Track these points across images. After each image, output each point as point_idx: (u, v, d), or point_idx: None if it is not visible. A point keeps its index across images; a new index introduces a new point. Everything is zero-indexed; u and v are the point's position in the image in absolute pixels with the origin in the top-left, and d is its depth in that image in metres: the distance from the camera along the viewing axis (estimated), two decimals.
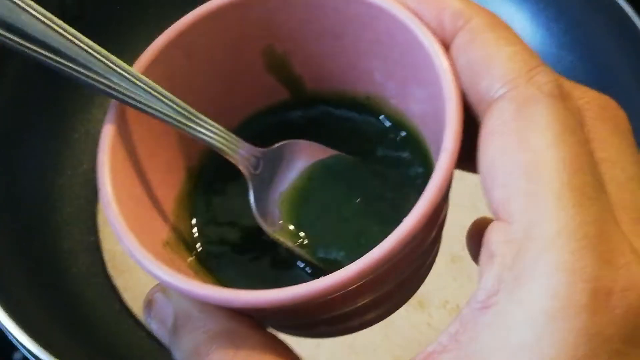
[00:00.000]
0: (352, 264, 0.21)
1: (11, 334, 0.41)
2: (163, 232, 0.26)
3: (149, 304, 0.25)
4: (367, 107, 0.29)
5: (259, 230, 0.27)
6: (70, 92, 0.57)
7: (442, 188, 0.22)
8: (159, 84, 0.26)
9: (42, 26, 0.24)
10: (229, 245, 0.28)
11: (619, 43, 0.53)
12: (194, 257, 0.27)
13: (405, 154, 0.28)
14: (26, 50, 0.24)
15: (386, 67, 0.27)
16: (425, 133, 0.27)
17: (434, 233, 0.25)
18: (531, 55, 0.22)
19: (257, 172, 0.27)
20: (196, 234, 0.28)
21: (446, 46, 0.24)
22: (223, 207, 0.29)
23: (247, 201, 0.27)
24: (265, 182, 0.28)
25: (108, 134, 0.25)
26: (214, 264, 0.27)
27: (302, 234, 0.27)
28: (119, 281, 0.51)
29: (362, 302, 0.24)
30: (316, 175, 0.28)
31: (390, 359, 0.48)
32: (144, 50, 0.60)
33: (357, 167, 0.28)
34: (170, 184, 0.28)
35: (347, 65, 0.28)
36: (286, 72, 0.29)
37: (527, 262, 0.19)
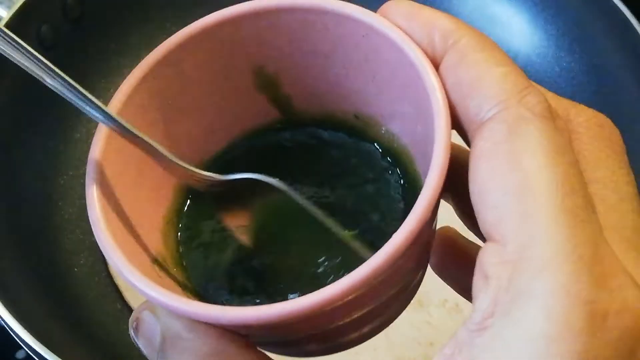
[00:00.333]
0: (342, 279, 0.21)
1: (14, 332, 0.42)
2: (152, 249, 0.26)
3: (136, 321, 0.25)
4: (356, 127, 0.29)
5: (246, 249, 0.28)
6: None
7: (431, 204, 0.22)
8: (150, 101, 0.26)
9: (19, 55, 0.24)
10: (215, 264, 0.28)
11: (616, 44, 0.53)
12: (182, 274, 0.27)
13: (393, 177, 0.28)
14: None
15: (375, 85, 0.27)
16: (414, 154, 0.27)
17: (421, 251, 0.25)
18: (521, 75, 0.22)
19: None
20: (183, 251, 0.28)
21: (436, 66, 0.24)
22: (210, 225, 0.29)
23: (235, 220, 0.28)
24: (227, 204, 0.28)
25: (96, 152, 0.25)
26: (201, 282, 0.27)
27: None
28: (120, 281, 0.51)
29: (352, 318, 0.24)
30: (271, 215, 0.28)
31: (390, 358, 0.48)
32: (144, 50, 0.60)
33: (317, 216, 0.28)
34: (159, 202, 0.28)
35: (336, 84, 0.28)
36: (275, 92, 0.29)
37: (523, 284, 0.19)
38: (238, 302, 0.27)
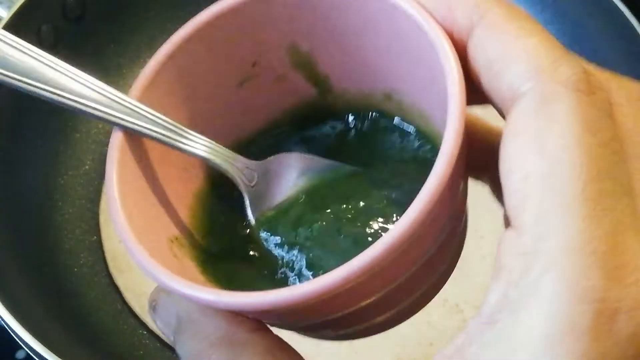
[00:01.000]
0: (353, 259, 0.20)
1: (14, 332, 0.42)
2: (174, 227, 0.26)
3: (154, 302, 0.25)
4: (390, 107, 0.29)
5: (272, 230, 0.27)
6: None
7: (441, 183, 0.21)
8: (178, 79, 0.26)
9: (20, 55, 0.25)
10: (235, 250, 0.28)
11: (616, 44, 0.53)
12: (203, 253, 0.27)
13: (426, 154, 0.28)
14: (14, 83, 0.24)
15: (403, 64, 0.26)
16: (441, 130, 0.27)
17: (443, 233, 0.24)
18: (554, 45, 0.21)
19: (252, 184, 0.27)
20: (208, 234, 0.28)
21: (462, 43, 0.22)
22: (236, 210, 0.28)
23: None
24: (262, 194, 0.28)
25: (119, 132, 0.25)
26: (221, 265, 0.27)
27: (295, 248, 0.27)
28: (121, 281, 0.51)
29: (368, 302, 0.24)
30: (311, 188, 0.28)
31: (390, 358, 0.48)
32: (144, 50, 0.61)
33: (356, 177, 0.28)
34: (189, 179, 0.28)
35: (370, 63, 0.27)
36: (312, 70, 0.28)
37: (531, 280, 0.19)
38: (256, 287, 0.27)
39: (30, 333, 0.41)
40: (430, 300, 0.28)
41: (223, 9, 0.26)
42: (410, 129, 0.28)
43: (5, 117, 0.53)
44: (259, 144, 0.30)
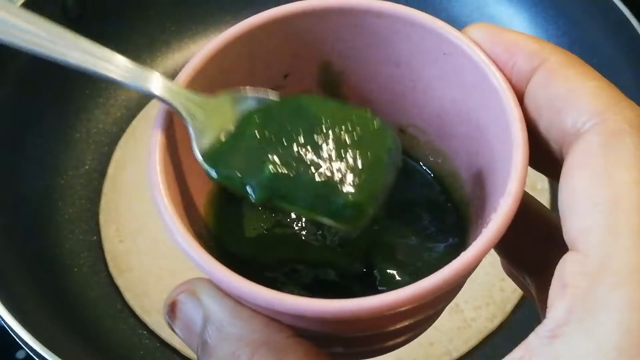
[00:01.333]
0: (409, 286, 0.21)
1: (14, 332, 0.42)
2: (196, 225, 0.26)
3: (172, 306, 0.24)
4: (404, 143, 0.28)
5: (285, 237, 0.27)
6: (71, 92, 0.57)
7: (502, 229, 0.22)
8: (218, 77, 0.26)
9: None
10: (249, 245, 0.28)
11: (617, 44, 0.53)
12: (220, 249, 0.27)
13: (437, 197, 0.28)
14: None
15: (440, 103, 0.26)
16: (465, 178, 0.27)
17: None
18: (615, 89, 0.22)
19: (198, 118, 0.26)
20: (225, 226, 0.28)
21: (519, 90, 0.24)
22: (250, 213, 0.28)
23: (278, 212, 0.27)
24: (209, 128, 0.26)
25: (157, 134, 0.25)
26: (236, 261, 0.27)
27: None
28: (120, 281, 0.51)
29: (404, 324, 0.24)
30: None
31: (390, 358, 0.48)
32: (145, 50, 0.60)
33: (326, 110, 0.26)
34: (205, 178, 0.27)
35: (398, 96, 0.28)
36: (334, 92, 0.28)
37: (600, 295, 0.19)
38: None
39: (30, 333, 0.41)
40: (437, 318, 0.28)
41: (272, 17, 0.26)
42: (416, 165, 0.29)
43: (5, 117, 0.53)
44: None
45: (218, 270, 0.22)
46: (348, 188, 0.24)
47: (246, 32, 0.26)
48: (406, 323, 0.24)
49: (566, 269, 0.21)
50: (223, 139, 0.25)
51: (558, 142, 0.23)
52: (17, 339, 0.42)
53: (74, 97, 0.57)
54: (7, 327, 0.42)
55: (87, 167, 0.56)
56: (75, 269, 0.51)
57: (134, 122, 0.58)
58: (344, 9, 0.26)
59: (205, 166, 0.25)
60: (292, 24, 0.26)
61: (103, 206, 0.54)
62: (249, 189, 0.24)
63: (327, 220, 0.24)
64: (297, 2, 0.26)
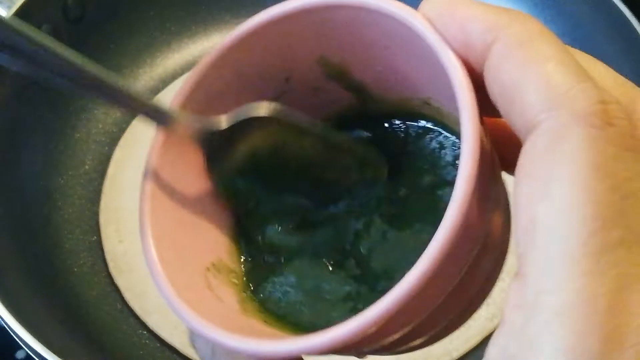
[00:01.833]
0: (388, 294, 0.21)
1: (14, 332, 0.42)
2: (209, 255, 0.26)
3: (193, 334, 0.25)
4: (428, 112, 0.28)
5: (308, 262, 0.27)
6: (71, 92, 0.57)
7: (459, 215, 0.20)
8: (207, 103, 0.26)
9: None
10: (273, 272, 0.28)
11: (617, 44, 0.53)
12: (238, 281, 0.27)
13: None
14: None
15: (429, 79, 0.26)
16: None
17: (470, 257, 0.23)
18: (571, 71, 0.19)
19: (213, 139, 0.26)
20: (245, 260, 0.28)
21: (478, 67, 0.21)
22: (276, 237, 0.28)
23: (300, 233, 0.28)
24: (225, 148, 0.26)
25: (154, 157, 0.25)
26: (260, 292, 0.27)
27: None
28: (120, 281, 0.51)
29: (408, 330, 0.24)
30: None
31: (391, 358, 0.48)
32: (144, 50, 0.60)
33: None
34: (224, 207, 0.28)
35: (404, 73, 0.27)
36: (346, 78, 0.28)
37: (531, 335, 0.18)
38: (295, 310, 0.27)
39: (30, 333, 0.41)
40: (459, 327, 0.27)
41: (247, 31, 0.26)
42: (448, 131, 0.28)
43: (5, 117, 0.53)
44: None
45: (190, 319, 0.23)
46: None
47: (223, 54, 0.26)
48: (400, 333, 0.24)
49: (507, 300, 0.19)
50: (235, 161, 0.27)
51: (518, 134, 0.20)
52: (17, 339, 0.42)
53: (74, 97, 0.57)
54: (7, 327, 0.42)
55: (87, 167, 0.56)
56: (75, 269, 0.51)
57: (134, 122, 0.58)
58: (310, 8, 0.26)
59: (219, 189, 0.26)
60: (271, 31, 0.26)
61: (103, 206, 0.54)
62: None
63: None
64: (272, 8, 0.26)
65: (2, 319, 0.42)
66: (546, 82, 0.19)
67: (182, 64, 0.60)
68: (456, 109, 0.25)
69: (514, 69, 0.20)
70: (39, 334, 0.42)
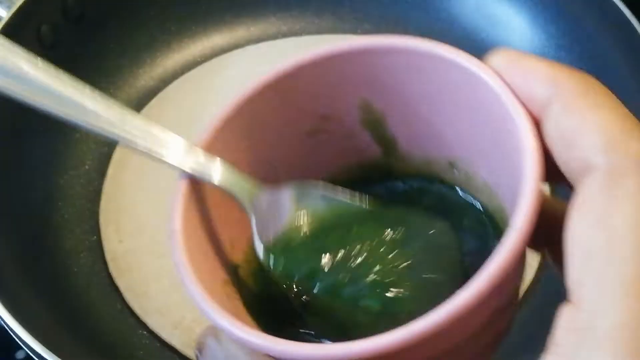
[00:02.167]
0: (421, 318, 0.20)
1: (14, 332, 0.42)
2: (225, 271, 0.27)
3: (200, 345, 0.25)
4: (450, 176, 0.28)
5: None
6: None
7: (504, 267, 0.21)
8: (248, 126, 0.26)
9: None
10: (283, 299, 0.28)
11: (617, 44, 0.53)
12: (251, 301, 0.27)
13: (485, 230, 0.28)
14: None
15: (474, 135, 0.26)
16: (508, 209, 0.26)
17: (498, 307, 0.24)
18: (627, 118, 0.22)
19: (262, 208, 0.27)
20: (259, 280, 0.28)
21: (536, 119, 0.23)
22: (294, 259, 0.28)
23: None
24: (269, 220, 0.27)
25: (184, 180, 0.25)
26: (269, 312, 0.27)
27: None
28: (121, 281, 0.51)
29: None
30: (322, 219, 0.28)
31: None
32: (144, 50, 0.61)
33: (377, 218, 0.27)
34: (246, 224, 0.28)
35: (440, 129, 0.27)
36: (381, 130, 0.28)
37: (582, 356, 0.18)
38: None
39: (30, 333, 0.41)
40: None
41: (301, 63, 0.27)
42: (469, 199, 0.28)
43: (5, 117, 0.53)
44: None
45: (222, 321, 0.23)
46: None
47: (275, 80, 0.27)
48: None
49: (558, 323, 0.20)
50: (282, 235, 0.27)
51: (571, 179, 0.22)
52: (17, 339, 0.42)
53: None
54: (6, 327, 0.42)
55: (87, 167, 0.56)
56: (75, 269, 0.51)
57: None
58: (369, 49, 0.26)
59: (263, 260, 0.27)
60: (321, 67, 0.27)
61: (103, 206, 0.54)
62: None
63: None
64: (325, 47, 0.27)
65: (2, 319, 0.42)
66: (603, 128, 0.21)
67: (182, 64, 0.60)
68: (487, 173, 0.26)
69: (573, 117, 0.22)
70: (38, 334, 0.42)
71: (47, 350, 0.41)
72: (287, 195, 0.28)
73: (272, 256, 0.27)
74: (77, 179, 0.55)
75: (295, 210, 0.28)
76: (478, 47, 0.63)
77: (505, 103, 0.24)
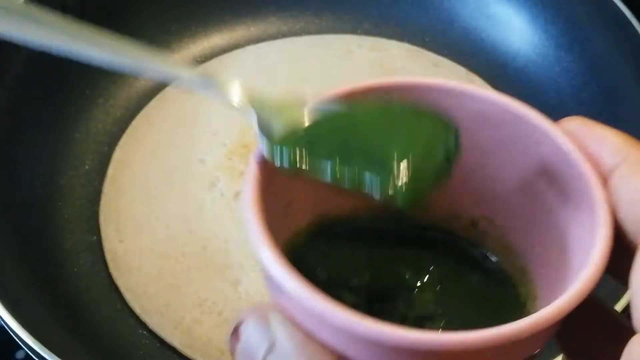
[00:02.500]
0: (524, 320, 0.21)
1: (14, 332, 0.42)
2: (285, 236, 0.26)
3: (237, 325, 0.23)
4: (468, 233, 0.28)
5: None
6: (71, 92, 0.57)
7: (585, 292, 0.22)
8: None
9: None
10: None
11: (617, 44, 0.53)
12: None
13: (502, 289, 0.27)
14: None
15: (524, 196, 0.27)
16: (534, 270, 0.27)
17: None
18: None
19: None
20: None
21: (603, 179, 0.25)
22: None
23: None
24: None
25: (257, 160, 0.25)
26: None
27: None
28: (121, 281, 0.51)
29: None
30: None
31: None
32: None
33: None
34: (291, 214, 0.27)
35: (476, 186, 0.27)
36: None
37: None
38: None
39: (30, 333, 0.41)
40: None
41: (357, 88, 0.26)
42: (483, 260, 0.28)
43: (5, 117, 0.53)
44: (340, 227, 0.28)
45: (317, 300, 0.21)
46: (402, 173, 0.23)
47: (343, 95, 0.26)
48: None
49: (633, 349, 0.21)
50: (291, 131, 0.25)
51: (633, 235, 0.24)
52: (17, 339, 0.42)
53: (73, 97, 0.57)
54: (6, 327, 0.42)
55: (87, 167, 0.56)
56: (75, 269, 0.51)
57: (134, 122, 0.58)
58: (435, 88, 0.26)
59: (268, 155, 0.25)
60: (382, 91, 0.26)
61: (103, 206, 0.54)
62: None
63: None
64: (388, 78, 0.26)
65: (2, 319, 0.42)
66: None
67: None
68: (511, 230, 0.26)
69: (638, 182, 0.24)
70: (38, 334, 0.42)
71: (47, 350, 0.41)
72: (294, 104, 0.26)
73: (279, 148, 0.25)
74: (77, 179, 0.55)
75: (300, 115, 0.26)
76: (478, 47, 0.63)
77: (575, 161, 0.24)
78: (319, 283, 0.22)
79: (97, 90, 0.58)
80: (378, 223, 0.28)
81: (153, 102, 0.58)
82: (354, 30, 0.62)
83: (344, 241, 0.28)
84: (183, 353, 0.48)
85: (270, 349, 0.22)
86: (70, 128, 0.57)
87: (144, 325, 0.49)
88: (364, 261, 0.28)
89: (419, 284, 0.27)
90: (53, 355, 0.41)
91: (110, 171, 0.55)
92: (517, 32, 0.58)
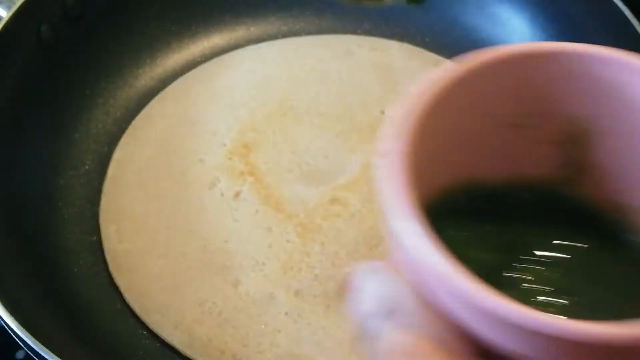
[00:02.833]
0: None
1: (14, 332, 0.42)
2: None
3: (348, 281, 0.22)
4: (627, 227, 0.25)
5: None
6: (70, 92, 0.57)
7: None
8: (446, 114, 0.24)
9: None
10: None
11: (617, 44, 0.53)
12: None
13: None
14: None
15: None
16: None
17: None
18: None
19: None
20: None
21: None
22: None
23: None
24: None
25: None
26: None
27: None
28: (121, 281, 0.51)
29: None
30: None
31: None
32: (144, 50, 0.60)
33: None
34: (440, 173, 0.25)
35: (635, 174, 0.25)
36: (575, 151, 0.25)
37: None
38: None
39: (30, 333, 0.41)
40: None
41: (516, 52, 0.24)
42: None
43: (5, 117, 0.53)
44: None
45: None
46: None
47: (490, 63, 0.24)
48: None
49: None
50: None
51: None
52: (17, 339, 0.42)
53: (73, 97, 0.57)
54: (6, 327, 0.42)
55: (87, 167, 0.56)
56: (75, 269, 0.51)
57: (134, 122, 0.58)
58: (596, 56, 0.24)
59: None
60: (556, 62, 0.24)
61: (103, 206, 0.54)
62: None
63: None
64: (539, 43, 0.24)
65: (2, 319, 0.42)
66: None
67: (182, 64, 0.60)
68: None
69: None
70: (38, 334, 0.42)
71: (47, 350, 0.41)
72: None
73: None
74: (77, 179, 0.55)
75: None
76: (478, 47, 0.63)
77: None
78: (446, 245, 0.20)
79: (97, 90, 0.58)
80: (529, 194, 0.26)
81: (153, 102, 0.58)
82: (354, 30, 0.62)
83: (484, 211, 0.26)
84: (183, 353, 0.48)
85: (395, 304, 0.21)
86: (70, 128, 0.57)
87: (144, 325, 0.49)
88: (499, 233, 0.25)
89: (554, 261, 0.25)
90: (53, 355, 0.41)
91: (110, 171, 0.55)
92: (517, 32, 0.58)
